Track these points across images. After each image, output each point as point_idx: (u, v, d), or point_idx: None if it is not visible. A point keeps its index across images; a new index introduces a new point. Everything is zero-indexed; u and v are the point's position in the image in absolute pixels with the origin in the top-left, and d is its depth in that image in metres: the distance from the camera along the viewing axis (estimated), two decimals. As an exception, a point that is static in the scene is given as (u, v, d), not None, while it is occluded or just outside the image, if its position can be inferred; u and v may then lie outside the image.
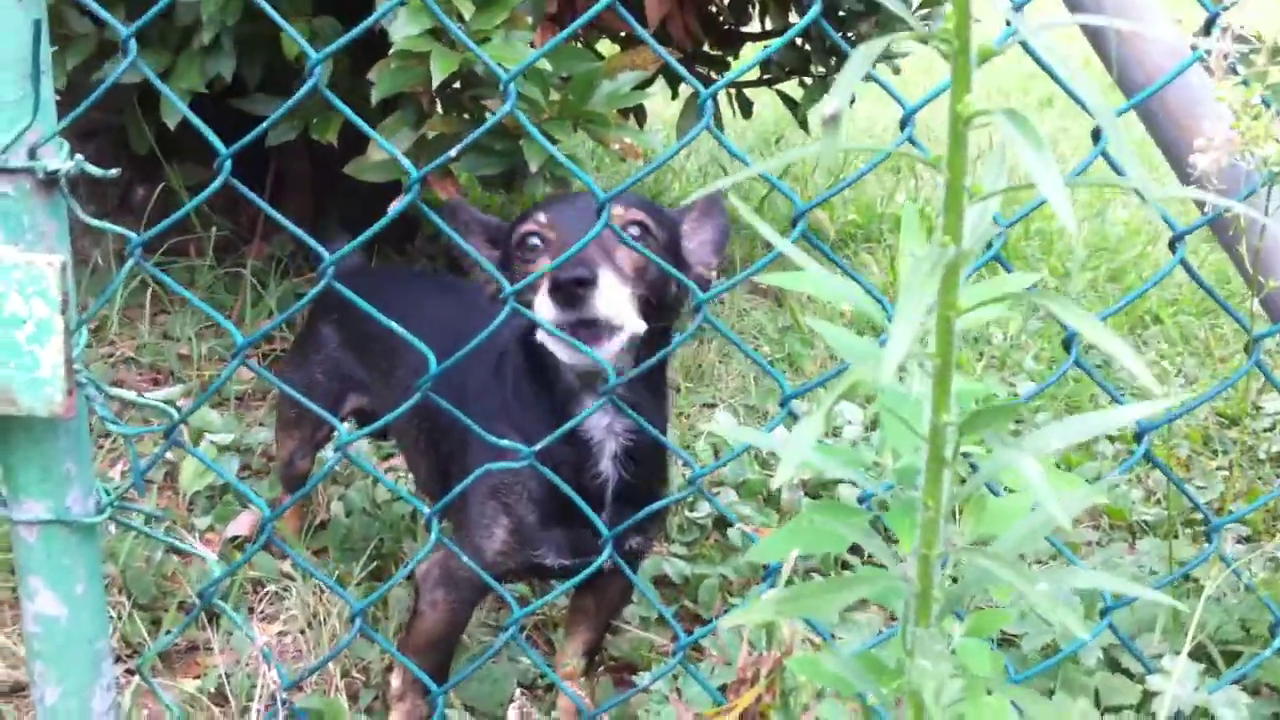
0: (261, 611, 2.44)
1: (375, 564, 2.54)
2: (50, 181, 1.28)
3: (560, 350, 1.67)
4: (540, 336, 1.69)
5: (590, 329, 1.64)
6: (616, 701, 1.62)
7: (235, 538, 2.65)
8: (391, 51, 2.80)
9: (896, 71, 4.43)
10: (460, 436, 2.02)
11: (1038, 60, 1.19)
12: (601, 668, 2.33)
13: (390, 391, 2.33)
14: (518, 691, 1.53)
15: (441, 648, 2.03)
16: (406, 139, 3.18)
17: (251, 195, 1.36)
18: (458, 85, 3.13)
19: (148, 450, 2.74)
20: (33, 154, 1.26)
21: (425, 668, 2.01)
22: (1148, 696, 1.91)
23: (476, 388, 2.00)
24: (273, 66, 3.38)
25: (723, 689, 1.73)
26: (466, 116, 3.25)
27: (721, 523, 2.87)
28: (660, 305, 1.78)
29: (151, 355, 3.44)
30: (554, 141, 3.08)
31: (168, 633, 2.26)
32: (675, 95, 4.74)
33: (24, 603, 1.41)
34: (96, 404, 1.32)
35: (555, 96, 3.10)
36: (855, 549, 2.58)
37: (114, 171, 1.28)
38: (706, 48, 4.56)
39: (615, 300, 1.64)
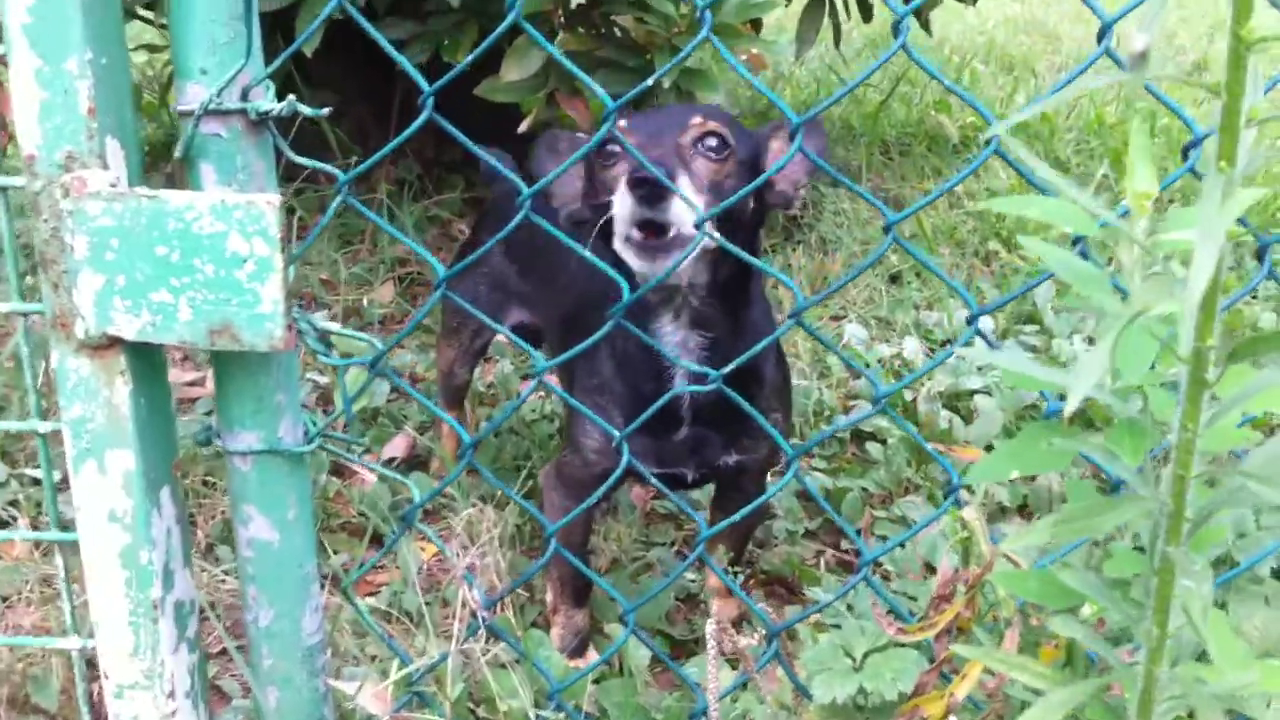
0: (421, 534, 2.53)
1: (530, 483, 2.61)
2: (260, 122, 1.32)
3: (633, 256, 1.66)
4: (617, 245, 1.69)
5: (661, 238, 1.64)
6: (801, 617, 1.66)
7: (391, 459, 2.74)
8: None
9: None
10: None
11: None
12: (752, 581, 2.38)
13: (550, 303, 2.37)
14: (715, 607, 1.57)
15: (569, 545, 2.08)
16: (537, 59, 3.19)
17: (452, 129, 1.38)
18: (585, 2, 3.14)
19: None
20: (245, 95, 1.30)
21: (562, 571, 2.09)
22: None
23: (592, 304, 2.05)
24: (404, -9, 3.41)
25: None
26: (596, 33, 3.26)
27: (860, 435, 2.89)
28: (736, 221, 1.75)
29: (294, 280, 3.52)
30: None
31: (367, 556, 2.35)
32: (789, 2, 4.68)
33: (238, 529, 1.48)
34: (308, 338, 1.38)
35: (685, 10, 3.09)
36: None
37: (326, 110, 1.31)
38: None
39: (687, 207, 1.61)
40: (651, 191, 1.59)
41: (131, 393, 1.32)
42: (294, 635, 1.51)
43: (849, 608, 1.99)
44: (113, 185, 1.26)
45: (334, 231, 3.79)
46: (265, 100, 1.31)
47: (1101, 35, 1.32)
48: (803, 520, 2.54)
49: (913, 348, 3.28)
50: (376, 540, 2.44)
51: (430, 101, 1.36)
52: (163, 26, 3.91)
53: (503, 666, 1.77)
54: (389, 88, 3.90)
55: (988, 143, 1.37)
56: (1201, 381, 0.77)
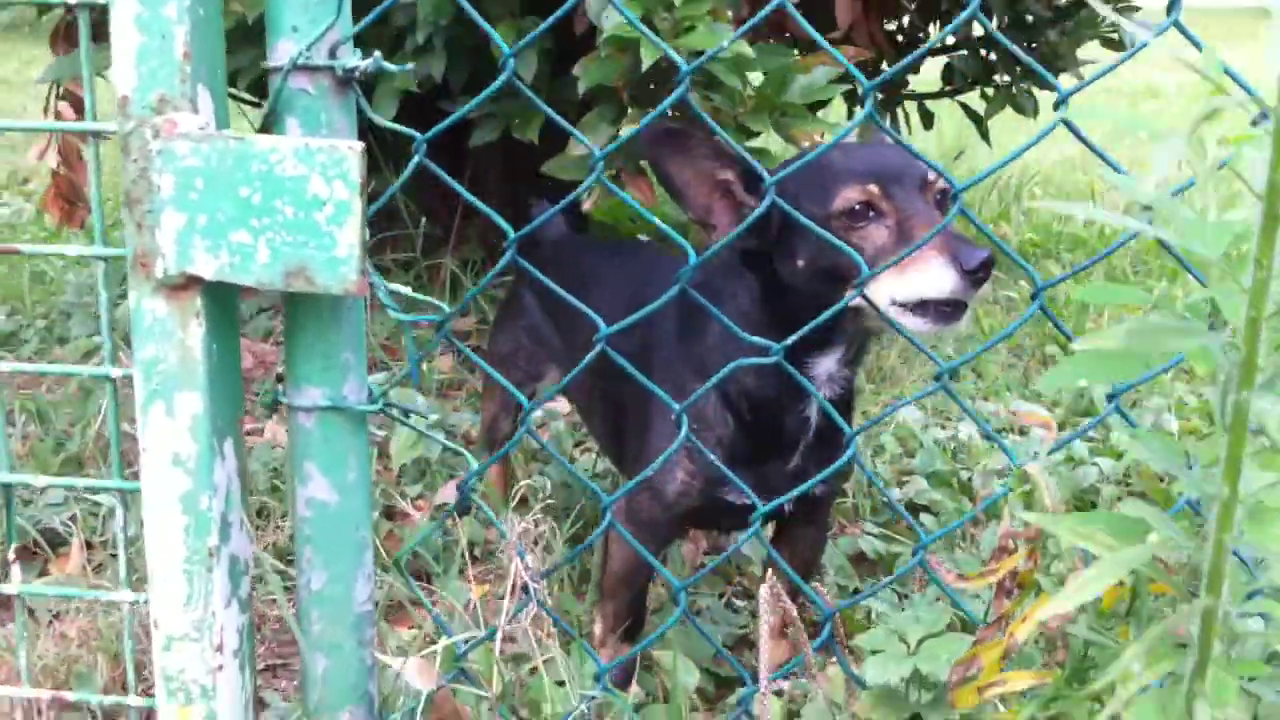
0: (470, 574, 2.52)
1: (577, 525, 2.60)
2: (346, 80, 1.37)
3: (924, 320, 1.66)
4: (882, 305, 1.68)
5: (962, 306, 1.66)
6: (859, 599, 1.64)
7: (443, 504, 2.75)
8: (601, 40, 2.89)
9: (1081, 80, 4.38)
10: (640, 390, 2.07)
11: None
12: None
13: (573, 357, 2.41)
14: (770, 573, 1.54)
15: (631, 586, 2.11)
16: (604, 135, 3.26)
17: (459, 188, 1.42)
18: (653, 86, 3.22)
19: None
20: (333, 53, 1.35)
21: (619, 607, 2.09)
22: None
23: (660, 337, 2.06)
24: (478, 70, 3.52)
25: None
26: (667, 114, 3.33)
27: (913, 507, 2.86)
28: None
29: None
30: (751, 134, 3.14)
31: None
32: (851, 115, 4.77)
33: (297, 488, 1.49)
34: (380, 291, 1.40)
35: (751, 91, 3.16)
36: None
37: (410, 66, 1.36)
38: (885, 65, 4.60)
39: None
40: (985, 276, 1.61)
41: (204, 335, 1.35)
42: (346, 601, 1.51)
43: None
44: (201, 129, 1.31)
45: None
46: (352, 58, 1.36)
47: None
48: (853, 579, 2.51)
49: (969, 431, 3.26)
50: (426, 578, 2.44)
51: (423, 148, 1.42)
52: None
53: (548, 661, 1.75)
54: (459, 167, 3.99)
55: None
56: (1276, 217, 0.77)
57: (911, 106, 4.62)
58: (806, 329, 1.52)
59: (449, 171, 4.24)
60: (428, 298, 1.45)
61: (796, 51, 3.44)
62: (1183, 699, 0.91)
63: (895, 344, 3.95)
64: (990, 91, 4.41)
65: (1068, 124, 1.38)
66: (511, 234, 1.44)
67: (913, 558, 1.50)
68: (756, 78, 3.24)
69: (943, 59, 4.57)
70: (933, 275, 1.61)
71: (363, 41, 3.51)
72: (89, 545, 2.41)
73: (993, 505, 2.43)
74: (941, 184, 1.77)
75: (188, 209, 1.31)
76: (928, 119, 4.59)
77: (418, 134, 1.40)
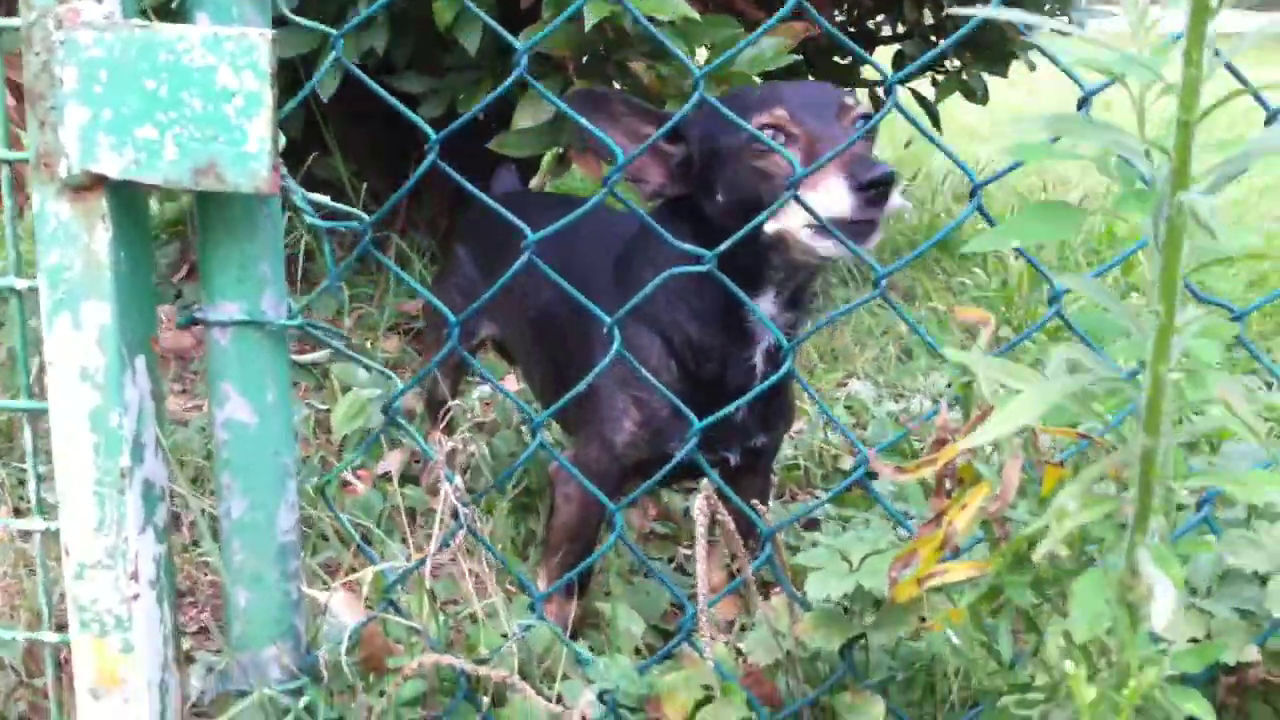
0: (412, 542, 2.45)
1: (520, 489, 2.55)
2: (259, -28, 1.32)
3: (834, 240, 1.62)
4: (796, 230, 1.66)
5: (870, 225, 1.62)
6: (795, 516, 1.59)
7: (385, 474, 2.68)
8: (545, 2, 2.85)
9: (1032, 68, 4.39)
10: (580, 334, 2.04)
11: None
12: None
13: (511, 316, 2.37)
14: (704, 482, 1.50)
15: (579, 539, 2.04)
16: (549, 107, 3.22)
17: (367, 79, 1.37)
18: (603, 49, 3.18)
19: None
20: (244, -58, 1.30)
21: (566, 561, 2.03)
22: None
23: (598, 288, 2.00)
24: (422, 46, 3.46)
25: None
26: (609, 82, 3.29)
27: (870, 475, 2.83)
28: None
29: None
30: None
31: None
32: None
33: (214, 410, 1.42)
34: (295, 196, 1.34)
35: (700, 60, 3.13)
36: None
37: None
38: (836, 59, 4.58)
39: None
40: (885, 193, 1.57)
41: (111, 240, 1.28)
42: (268, 529, 1.44)
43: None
44: (106, 18, 1.25)
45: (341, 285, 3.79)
46: (264, -52, 1.31)
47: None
48: (802, 539, 2.47)
49: (920, 403, 3.23)
50: (366, 543, 2.37)
51: (340, 44, 1.38)
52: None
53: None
54: (405, 144, 3.93)
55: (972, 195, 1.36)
56: (1206, 6, 0.73)
57: (863, 94, 4.61)
58: (729, 243, 1.45)
59: (396, 149, 4.17)
60: (349, 208, 1.40)
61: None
62: (1125, 557, 0.87)
63: (849, 324, 3.92)
64: (940, 78, 4.40)
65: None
66: (433, 136, 1.38)
67: (855, 470, 1.45)
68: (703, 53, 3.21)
69: (894, 47, 4.56)
70: (828, 193, 1.58)
71: (302, 14, 3.45)
72: (17, 512, 2.34)
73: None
74: (860, 110, 1.74)
75: (92, 103, 1.25)
76: (878, 106, 4.58)
77: (332, 30, 1.35)
